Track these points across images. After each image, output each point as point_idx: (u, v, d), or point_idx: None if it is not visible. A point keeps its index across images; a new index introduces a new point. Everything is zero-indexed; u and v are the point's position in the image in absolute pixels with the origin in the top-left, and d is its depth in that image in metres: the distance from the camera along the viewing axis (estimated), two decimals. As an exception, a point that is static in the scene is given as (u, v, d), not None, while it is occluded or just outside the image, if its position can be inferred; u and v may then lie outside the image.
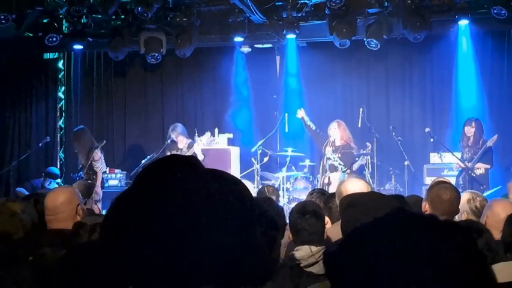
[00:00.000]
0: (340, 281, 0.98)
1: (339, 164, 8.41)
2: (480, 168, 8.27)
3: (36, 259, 2.58)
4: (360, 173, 8.54)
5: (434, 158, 9.09)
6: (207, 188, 1.22)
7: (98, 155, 8.94)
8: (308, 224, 3.02)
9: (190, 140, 9.04)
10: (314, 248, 2.94)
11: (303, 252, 2.92)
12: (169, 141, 9.30)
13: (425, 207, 3.42)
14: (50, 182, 9.32)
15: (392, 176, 9.00)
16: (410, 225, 0.97)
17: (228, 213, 1.24)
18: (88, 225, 2.46)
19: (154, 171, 1.28)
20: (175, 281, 1.18)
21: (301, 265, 2.87)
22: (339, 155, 8.50)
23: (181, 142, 9.04)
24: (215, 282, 1.39)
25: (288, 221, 3.09)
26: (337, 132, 8.66)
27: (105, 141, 9.22)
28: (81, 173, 9.27)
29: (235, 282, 1.56)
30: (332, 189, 6.31)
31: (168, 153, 9.14)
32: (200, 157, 8.83)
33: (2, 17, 8.46)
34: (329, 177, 8.58)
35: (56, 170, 9.79)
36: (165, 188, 1.21)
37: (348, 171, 8.40)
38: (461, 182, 8.22)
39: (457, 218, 3.58)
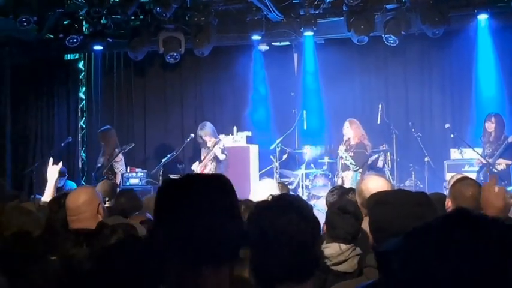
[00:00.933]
0: (397, 281, 0.98)
1: (350, 163, 8.42)
2: (501, 164, 8.22)
3: (62, 258, 2.64)
4: (379, 170, 8.53)
5: (454, 153, 9.03)
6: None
7: (119, 156, 9.09)
8: (346, 223, 3.05)
9: (217, 139, 9.13)
10: (343, 246, 2.96)
11: (332, 249, 2.93)
12: (188, 139, 9.38)
13: (448, 204, 3.43)
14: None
15: (413, 173, 8.97)
16: (474, 227, 0.96)
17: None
18: (110, 226, 2.50)
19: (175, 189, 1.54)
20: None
21: (328, 263, 2.89)
22: (351, 154, 8.51)
23: (209, 141, 9.13)
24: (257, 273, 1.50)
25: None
26: (349, 131, 8.69)
27: (133, 144, 9.29)
28: (93, 173, 9.37)
29: (276, 278, 1.62)
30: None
31: (202, 151, 9.31)
32: (221, 157, 8.94)
33: (24, 19, 8.58)
34: (342, 177, 8.60)
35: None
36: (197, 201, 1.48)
37: (360, 170, 8.39)
38: (482, 178, 8.15)
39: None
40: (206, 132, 9.14)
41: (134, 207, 4.22)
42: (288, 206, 1.76)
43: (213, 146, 9.02)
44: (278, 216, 1.71)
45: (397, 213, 2.01)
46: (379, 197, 2.17)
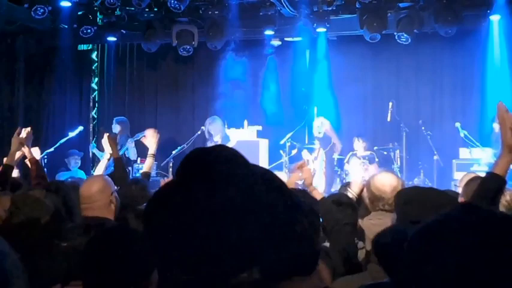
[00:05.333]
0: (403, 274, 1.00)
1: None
2: (511, 164, 8.22)
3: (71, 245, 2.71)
4: (388, 167, 8.56)
5: (464, 153, 9.03)
6: (250, 179, 1.25)
7: (131, 144, 9.21)
8: (343, 214, 3.09)
9: (224, 134, 9.19)
10: None
11: None
12: (199, 132, 9.44)
13: (462, 202, 3.45)
14: (76, 160, 9.45)
15: (421, 171, 8.98)
16: (484, 224, 0.95)
17: (271, 205, 1.23)
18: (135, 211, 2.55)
19: (198, 161, 1.30)
20: (214, 267, 1.17)
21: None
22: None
23: (216, 136, 9.20)
24: (261, 271, 1.44)
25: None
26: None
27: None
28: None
29: (282, 270, 1.62)
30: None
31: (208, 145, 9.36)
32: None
33: (39, 9, 8.68)
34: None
35: (77, 152, 9.96)
36: (209, 178, 1.23)
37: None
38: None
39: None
40: (215, 127, 9.19)
41: (143, 197, 4.30)
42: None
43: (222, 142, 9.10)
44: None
45: (423, 213, 1.96)
46: (407, 196, 2.11)
